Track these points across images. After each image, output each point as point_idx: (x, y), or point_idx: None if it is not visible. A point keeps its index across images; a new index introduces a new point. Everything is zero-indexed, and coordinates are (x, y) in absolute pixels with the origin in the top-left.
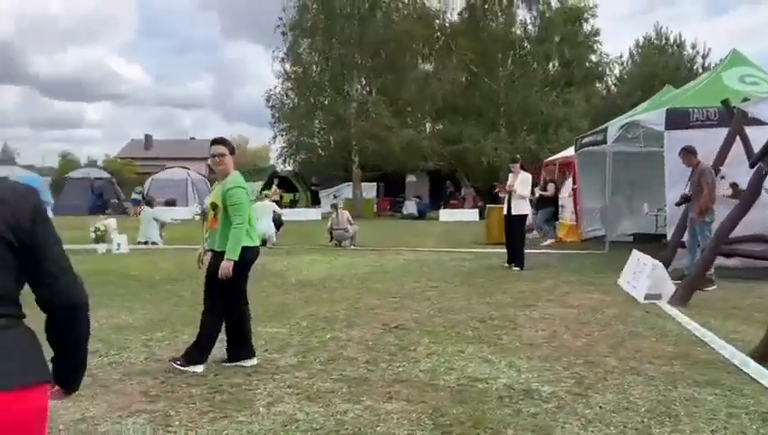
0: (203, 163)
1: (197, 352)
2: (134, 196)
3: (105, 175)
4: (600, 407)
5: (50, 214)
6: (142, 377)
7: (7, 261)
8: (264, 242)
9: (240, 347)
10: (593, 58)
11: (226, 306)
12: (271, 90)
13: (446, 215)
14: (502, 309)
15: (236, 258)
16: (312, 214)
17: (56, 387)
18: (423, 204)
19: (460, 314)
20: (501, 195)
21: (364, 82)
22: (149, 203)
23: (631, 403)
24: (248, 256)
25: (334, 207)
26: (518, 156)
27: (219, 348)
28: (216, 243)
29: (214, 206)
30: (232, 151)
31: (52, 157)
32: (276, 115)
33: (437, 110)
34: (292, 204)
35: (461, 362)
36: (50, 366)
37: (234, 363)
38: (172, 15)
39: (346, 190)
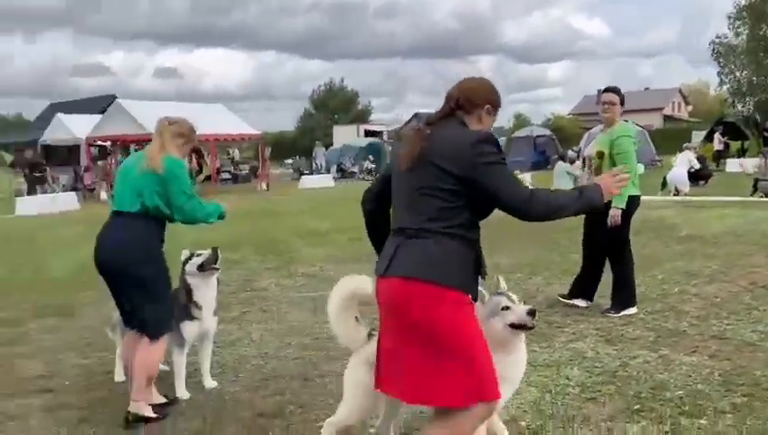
0: (656, 114)
1: (624, 296)
2: (570, 152)
3: (546, 132)
4: None
5: None
6: None
7: (443, 187)
8: (676, 191)
9: (581, 287)
10: None
11: (619, 249)
12: (718, 35)
13: None
14: None
15: (624, 206)
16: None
17: None
18: None
19: None
20: None
21: None
22: (562, 157)
23: None
24: (633, 204)
25: (763, 155)
26: None
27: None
28: None
29: (600, 154)
30: (622, 102)
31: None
32: (721, 61)
33: None
34: (740, 153)
35: None
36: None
37: (569, 301)
38: None
39: None
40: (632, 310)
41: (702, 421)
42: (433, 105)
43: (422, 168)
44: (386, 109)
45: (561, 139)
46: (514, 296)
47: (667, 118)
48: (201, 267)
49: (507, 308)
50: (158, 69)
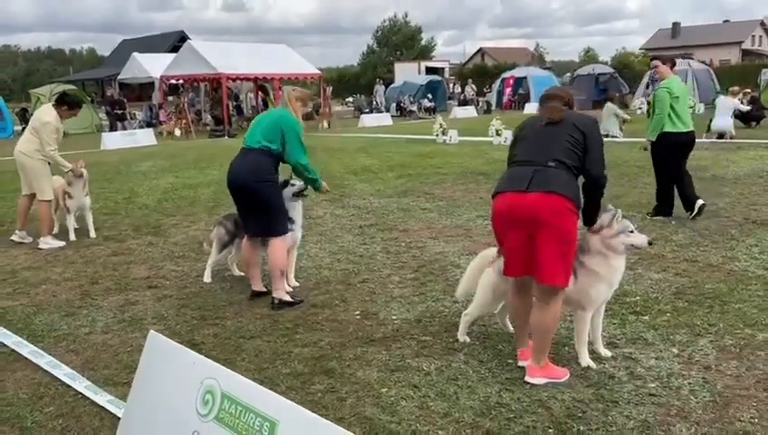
0: (735, 48)
1: (661, 207)
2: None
3: (608, 70)
4: None
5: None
6: None
7: (576, 138)
8: (720, 136)
9: (660, 205)
10: None
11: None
12: None
13: None
14: None
15: (653, 139)
16: None
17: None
18: None
19: None
20: None
21: None
22: (611, 99)
23: None
24: (668, 139)
25: None
26: None
27: None
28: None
29: (649, 102)
30: (664, 62)
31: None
32: None
33: None
34: None
35: None
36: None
37: (652, 217)
38: None
39: None
40: (665, 219)
41: (645, 317)
42: (501, 37)
43: (562, 125)
44: (454, 42)
45: (628, 77)
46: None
47: (745, 52)
48: (296, 194)
49: (632, 232)
50: (225, 2)
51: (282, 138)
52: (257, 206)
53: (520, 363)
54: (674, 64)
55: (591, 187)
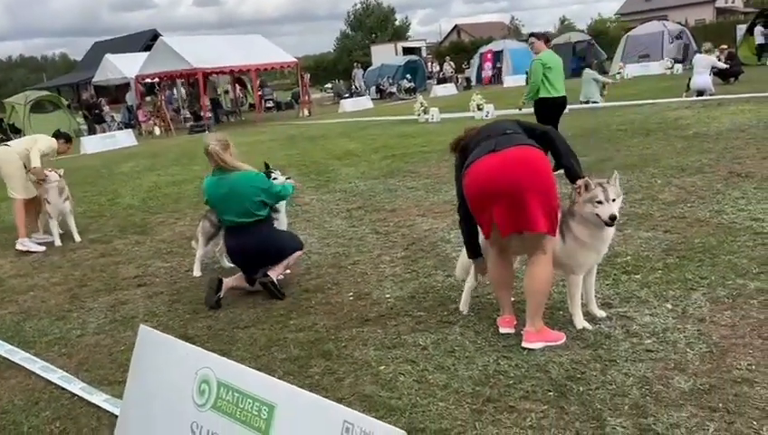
0: (707, 7)
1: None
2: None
3: (585, 38)
4: None
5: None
6: None
7: (520, 127)
8: (700, 93)
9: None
10: None
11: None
12: None
13: None
14: None
15: (526, 102)
16: None
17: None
18: None
19: None
20: None
21: None
22: (589, 65)
23: None
24: (545, 102)
25: None
26: None
27: None
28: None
29: (527, 72)
30: (539, 38)
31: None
32: None
33: None
34: None
35: None
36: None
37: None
38: None
39: None
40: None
41: (637, 276)
42: (476, 13)
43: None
44: (430, 21)
45: (604, 43)
46: (613, 192)
47: (719, 11)
48: None
49: (600, 203)
50: None
51: (263, 200)
52: (275, 255)
53: (501, 330)
54: (547, 40)
55: (545, 140)
